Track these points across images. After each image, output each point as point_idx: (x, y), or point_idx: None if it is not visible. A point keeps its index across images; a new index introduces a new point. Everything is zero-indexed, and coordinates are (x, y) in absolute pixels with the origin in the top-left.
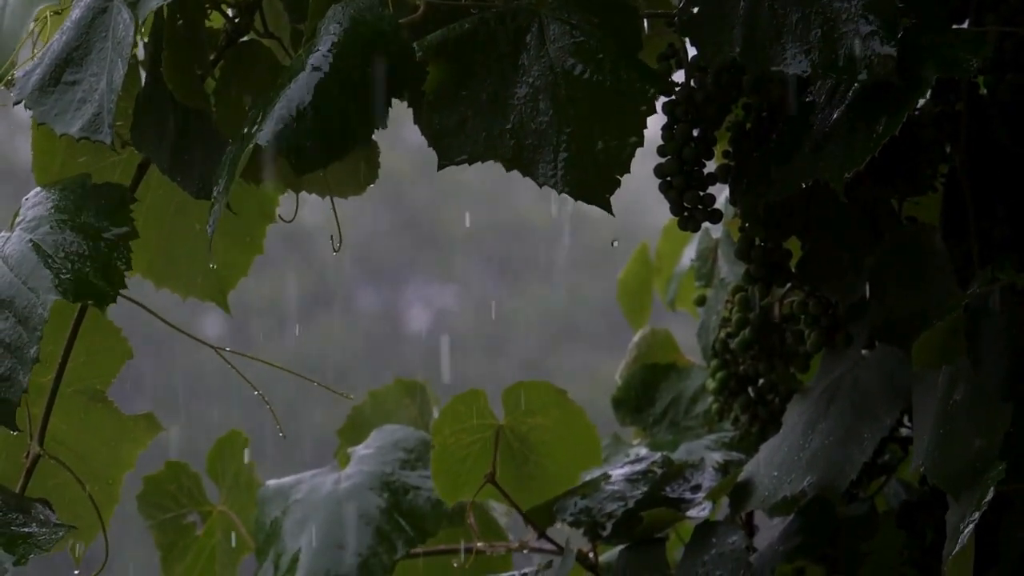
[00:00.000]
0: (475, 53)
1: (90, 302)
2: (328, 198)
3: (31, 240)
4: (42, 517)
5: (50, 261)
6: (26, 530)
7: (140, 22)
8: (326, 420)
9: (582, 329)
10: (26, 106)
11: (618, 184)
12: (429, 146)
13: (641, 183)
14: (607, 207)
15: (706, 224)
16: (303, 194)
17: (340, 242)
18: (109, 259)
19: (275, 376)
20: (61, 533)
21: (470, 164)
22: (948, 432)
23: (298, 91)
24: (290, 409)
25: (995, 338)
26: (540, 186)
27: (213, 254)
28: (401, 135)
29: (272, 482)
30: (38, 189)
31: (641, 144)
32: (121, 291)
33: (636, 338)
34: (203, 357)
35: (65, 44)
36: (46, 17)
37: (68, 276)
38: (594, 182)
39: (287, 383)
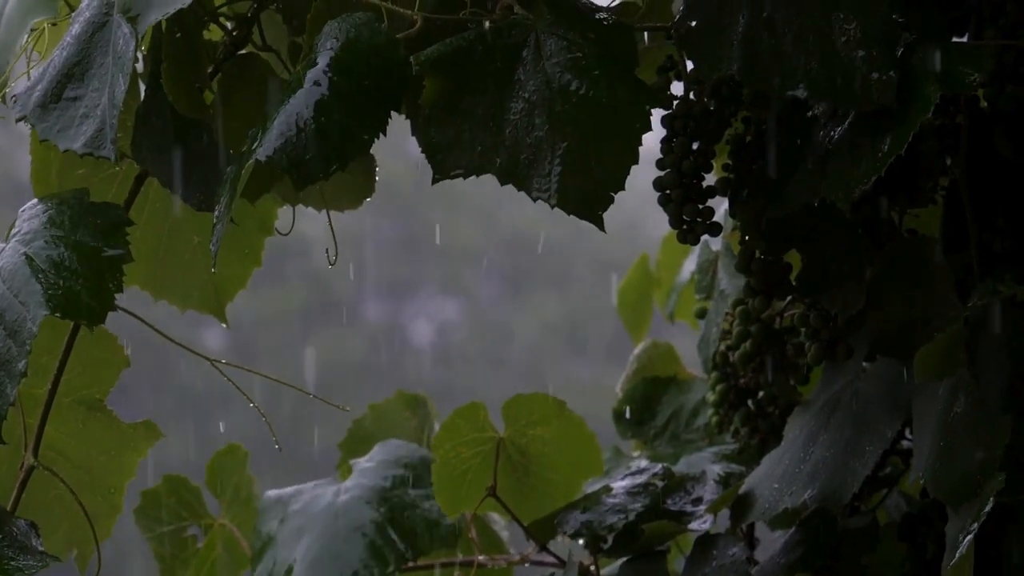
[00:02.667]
0: (471, 68)
1: (79, 321)
2: (329, 211)
3: (25, 253)
4: (23, 541)
5: (42, 276)
6: (9, 552)
7: (140, 36)
8: (331, 433)
9: (584, 341)
10: (29, 123)
11: (612, 201)
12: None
13: (643, 195)
14: (599, 224)
15: (706, 237)
16: (307, 208)
17: (336, 255)
18: (101, 279)
19: (280, 389)
20: (45, 562)
21: (465, 178)
22: (949, 444)
23: (297, 106)
24: (295, 422)
25: (995, 350)
26: (534, 200)
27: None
28: (405, 148)
29: (272, 492)
30: (35, 201)
31: (636, 162)
32: (121, 305)
33: (637, 350)
34: (208, 370)
35: (66, 60)
36: (43, 29)
37: (59, 292)
38: (588, 198)
39: (292, 396)
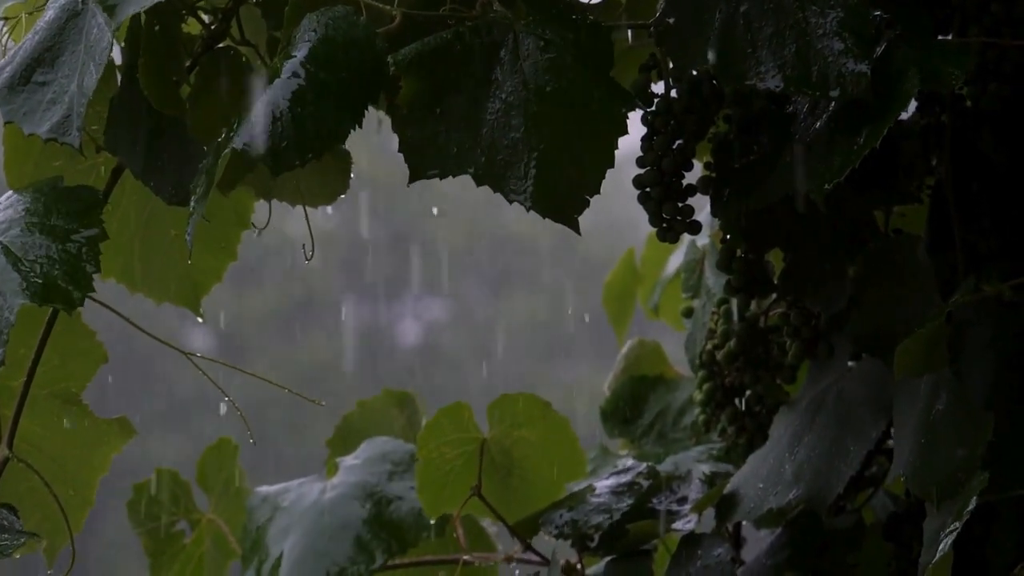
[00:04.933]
0: (449, 68)
1: (57, 306)
2: (316, 209)
3: (1, 243)
4: (5, 523)
5: (19, 264)
6: None
7: (116, 28)
8: (320, 431)
9: (572, 341)
10: None
11: (587, 204)
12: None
13: (630, 194)
14: (575, 227)
15: (693, 236)
16: (295, 208)
17: (313, 251)
18: (77, 262)
19: (269, 389)
20: (23, 540)
21: (441, 179)
22: (930, 441)
23: (273, 96)
24: (285, 421)
25: (979, 348)
26: (510, 202)
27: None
28: (390, 146)
29: (261, 489)
30: (10, 192)
31: (612, 165)
32: (104, 303)
33: (625, 349)
34: (198, 370)
35: (37, 44)
36: (20, 18)
37: (36, 279)
38: (563, 201)
39: (281, 396)
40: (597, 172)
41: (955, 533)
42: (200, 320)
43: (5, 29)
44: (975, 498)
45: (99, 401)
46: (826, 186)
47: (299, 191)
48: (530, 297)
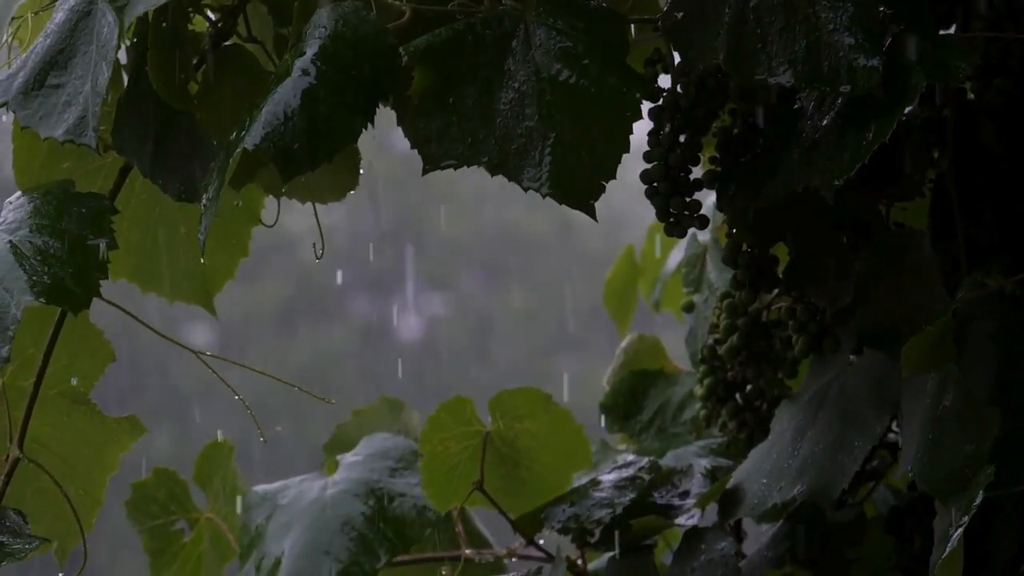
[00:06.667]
0: (461, 58)
1: (63, 307)
2: (315, 206)
3: (10, 241)
4: (15, 528)
5: (26, 263)
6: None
7: (126, 26)
8: (319, 428)
9: (572, 336)
10: (10, 109)
11: (603, 190)
12: (412, 148)
13: (629, 189)
14: (591, 213)
15: (694, 230)
16: (295, 203)
17: (323, 248)
18: (86, 266)
19: (268, 386)
20: (35, 544)
21: (455, 169)
22: (938, 437)
23: (285, 95)
24: (284, 418)
25: (983, 343)
26: (525, 190)
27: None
28: (393, 141)
29: (259, 487)
30: (20, 193)
31: (627, 151)
32: (109, 299)
33: (624, 344)
34: (196, 367)
35: (49, 47)
36: (25, 18)
37: (44, 279)
38: (579, 187)
39: (280, 392)
40: (612, 157)
41: (963, 528)
42: (216, 318)
43: (11, 30)
44: (982, 493)
45: (95, 399)
46: (836, 182)
47: (309, 187)
48: (531, 291)
